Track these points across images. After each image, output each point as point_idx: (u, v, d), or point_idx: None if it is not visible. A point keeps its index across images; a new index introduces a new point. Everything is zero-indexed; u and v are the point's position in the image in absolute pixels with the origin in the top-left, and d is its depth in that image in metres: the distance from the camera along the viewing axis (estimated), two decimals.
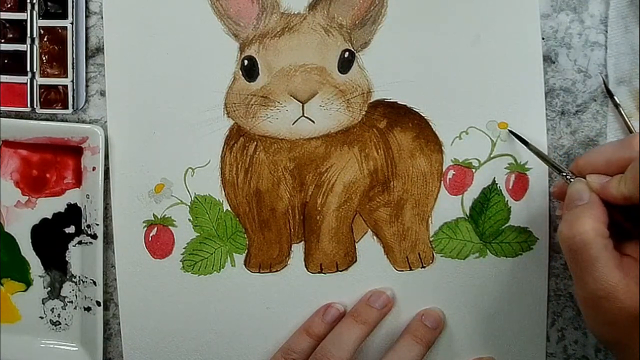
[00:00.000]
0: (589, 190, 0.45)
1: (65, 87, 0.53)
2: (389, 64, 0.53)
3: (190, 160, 0.54)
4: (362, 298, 0.54)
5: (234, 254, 0.55)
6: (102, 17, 0.54)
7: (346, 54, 0.52)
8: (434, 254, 0.54)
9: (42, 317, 0.57)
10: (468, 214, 0.54)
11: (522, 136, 0.52)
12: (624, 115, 0.52)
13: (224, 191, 0.54)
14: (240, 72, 0.53)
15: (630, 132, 0.52)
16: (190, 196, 0.54)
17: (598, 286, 0.42)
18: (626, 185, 0.43)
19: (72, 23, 0.53)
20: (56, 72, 0.54)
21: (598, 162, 0.46)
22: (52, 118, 0.55)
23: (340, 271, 0.54)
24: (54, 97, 0.54)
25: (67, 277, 0.56)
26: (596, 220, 0.43)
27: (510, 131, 0.52)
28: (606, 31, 0.52)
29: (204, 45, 0.53)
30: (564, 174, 0.48)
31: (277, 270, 0.55)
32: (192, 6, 0.53)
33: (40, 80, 0.54)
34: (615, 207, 0.44)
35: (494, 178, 0.53)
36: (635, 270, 0.42)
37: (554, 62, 0.53)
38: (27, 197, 0.56)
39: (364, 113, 0.53)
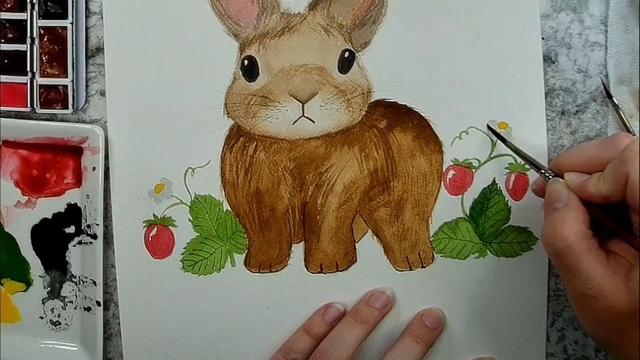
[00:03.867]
0: (567, 191, 0.45)
1: (65, 87, 0.53)
2: (389, 64, 0.53)
3: (190, 160, 0.54)
4: (362, 298, 0.54)
5: (234, 254, 0.55)
6: (102, 17, 0.54)
7: (346, 54, 0.52)
8: (434, 254, 0.54)
9: (42, 317, 0.57)
10: (468, 214, 0.54)
11: (500, 132, 0.52)
12: (623, 117, 0.52)
13: (224, 191, 0.54)
14: (240, 72, 0.53)
15: (630, 133, 0.52)
16: (190, 196, 0.54)
17: (586, 286, 0.42)
18: (604, 183, 0.42)
19: (72, 23, 0.53)
20: (56, 72, 0.54)
21: (578, 161, 0.46)
22: (52, 118, 0.55)
23: (340, 271, 0.54)
24: (54, 97, 0.54)
25: (67, 277, 0.56)
26: (577, 222, 0.43)
27: (489, 127, 0.52)
28: (606, 31, 0.52)
29: (204, 45, 0.53)
30: (542, 171, 0.48)
31: (277, 270, 0.55)
32: (192, 6, 0.53)
33: (40, 80, 0.54)
34: (597, 205, 0.44)
35: (494, 178, 0.53)
36: (622, 267, 0.42)
37: (554, 62, 0.53)
38: (27, 197, 0.56)
39: (364, 113, 0.53)
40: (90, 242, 0.55)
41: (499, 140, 0.53)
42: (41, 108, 0.54)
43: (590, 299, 0.42)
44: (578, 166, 0.45)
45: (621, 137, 0.44)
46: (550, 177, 0.47)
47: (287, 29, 0.52)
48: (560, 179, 0.46)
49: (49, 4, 0.53)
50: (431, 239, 0.54)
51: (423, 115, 0.53)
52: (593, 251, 0.42)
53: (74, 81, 0.54)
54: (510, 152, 0.52)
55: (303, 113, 0.52)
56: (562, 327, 0.55)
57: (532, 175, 0.53)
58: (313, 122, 0.53)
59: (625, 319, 0.41)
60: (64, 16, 0.53)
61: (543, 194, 0.47)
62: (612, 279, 0.42)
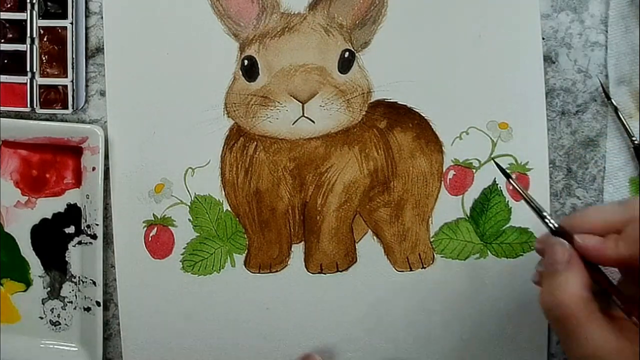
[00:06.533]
0: (568, 251, 0.42)
1: (65, 87, 0.53)
2: (389, 64, 0.53)
3: (190, 160, 0.54)
4: None
5: (234, 254, 0.55)
6: (102, 17, 0.54)
7: (346, 54, 0.52)
8: (435, 255, 0.54)
9: (42, 317, 0.57)
10: (468, 215, 0.54)
11: (506, 170, 0.48)
12: (622, 119, 0.52)
13: (224, 191, 0.54)
14: (240, 72, 0.53)
15: (629, 134, 0.52)
16: (190, 196, 0.54)
17: (587, 351, 0.40)
18: (625, 246, 0.41)
19: (72, 23, 0.53)
20: (56, 72, 0.54)
21: (595, 223, 0.43)
22: (52, 118, 0.55)
23: (340, 271, 0.54)
24: (53, 97, 0.54)
25: (67, 277, 0.56)
26: (578, 286, 0.41)
27: (495, 162, 0.51)
28: (606, 31, 0.52)
29: (204, 45, 0.53)
30: (547, 221, 0.45)
31: (277, 271, 0.55)
32: (192, 6, 0.53)
33: (40, 80, 0.54)
34: (598, 269, 0.42)
35: (495, 178, 0.53)
36: (629, 332, 0.40)
37: (554, 62, 0.53)
38: (27, 197, 0.56)
39: (364, 113, 0.53)
40: (90, 243, 0.55)
41: (499, 140, 0.53)
42: (41, 108, 0.54)
43: None
44: (594, 228, 0.43)
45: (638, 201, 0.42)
46: (554, 227, 0.44)
47: (287, 29, 0.52)
48: (563, 240, 0.43)
49: (49, 4, 0.53)
50: (431, 240, 0.54)
51: (423, 115, 0.53)
52: (594, 316, 0.41)
53: (74, 81, 0.54)
54: (511, 152, 0.52)
55: (303, 113, 0.52)
56: None
57: (533, 176, 0.53)
58: (313, 122, 0.53)
59: None
60: (64, 16, 0.53)
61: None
62: (615, 343, 0.40)
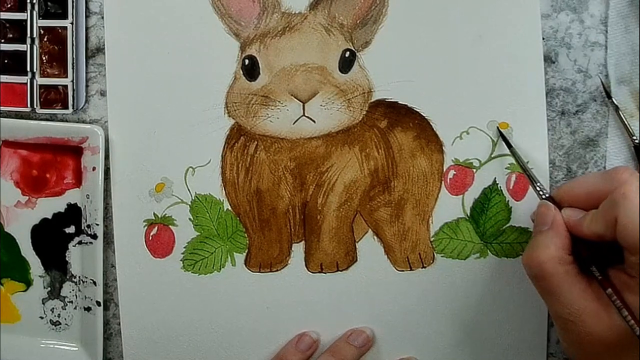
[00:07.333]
0: (552, 214, 0.45)
1: (65, 87, 0.53)
2: (390, 63, 0.53)
3: (190, 160, 0.54)
4: (341, 336, 0.54)
5: (234, 253, 0.55)
6: (102, 17, 0.54)
7: (347, 54, 0.52)
8: (435, 254, 0.54)
9: (42, 317, 0.57)
10: (469, 214, 0.54)
11: (509, 140, 0.52)
12: (623, 118, 0.52)
13: (225, 190, 0.54)
14: (241, 72, 0.53)
15: (630, 134, 0.52)
16: (191, 195, 0.54)
17: (564, 310, 0.42)
18: (596, 224, 0.42)
19: (72, 23, 0.53)
20: (56, 72, 0.53)
21: (579, 193, 0.45)
22: (52, 118, 0.55)
23: (341, 271, 0.54)
24: (54, 97, 0.54)
25: (67, 277, 0.56)
26: (555, 247, 0.43)
27: (499, 130, 0.52)
28: (606, 31, 0.52)
29: (205, 45, 0.53)
30: (538, 189, 0.48)
31: (277, 270, 0.55)
32: (193, 5, 0.53)
33: (40, 80, 0.53)
34: (581, 241, 0.44)
35: (495, 178, 0.53)
36: (606, 298, 0.42)
37: (554, 62, 0.53)
38: (27, 197, 0.55)
39: (364, 113, 0.53)
40: (90, 242, 0.55)
41: (500, 141, 0.53)
42: (41, 108, 0.54)
43: (569, 324, 0.42)
44: (579, 198, 0.45)
45: (620, 171, 0.43)
46: (544, 195, 0.48)
47: (288, 29, 0.52)
48: (548, 202, 0.46)
49: (49, 4, 0.53)
50: (432, 239, 0.54)
51: (424, 115, 0.53)
52: (571, 277, 0.43)
53: (74, 81, 0.53)
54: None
55: (304, 113, 0.52)
56: None
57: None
58: (314, 121, 0.53)
59: (605, 347, 0.41)
60: (64, 16, 0.53)
61: None
62: (592, 305, 0.42)
